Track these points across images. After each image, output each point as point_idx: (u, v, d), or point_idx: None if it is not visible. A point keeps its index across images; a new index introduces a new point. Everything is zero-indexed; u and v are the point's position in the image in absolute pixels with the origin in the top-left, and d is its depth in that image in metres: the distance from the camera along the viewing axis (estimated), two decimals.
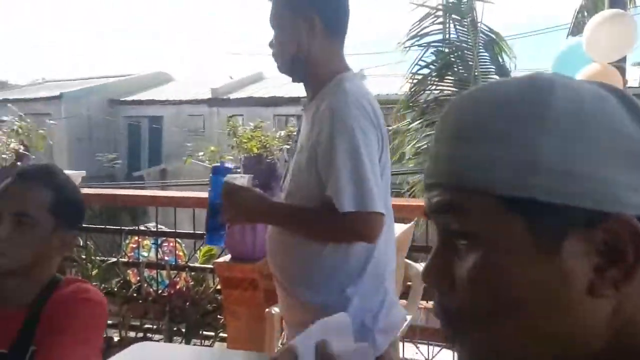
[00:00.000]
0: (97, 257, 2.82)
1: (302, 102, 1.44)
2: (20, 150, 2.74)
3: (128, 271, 3.06)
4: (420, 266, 2.31)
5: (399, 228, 2.11)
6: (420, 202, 3.41)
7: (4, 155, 2.71)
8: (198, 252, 3.08)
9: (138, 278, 3.02)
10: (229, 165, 1.46)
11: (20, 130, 2.77)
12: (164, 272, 2.96)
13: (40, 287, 1.09)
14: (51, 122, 5.42)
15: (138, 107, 15.51)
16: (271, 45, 1.31)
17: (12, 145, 2.72)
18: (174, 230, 2.91)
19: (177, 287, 2.80)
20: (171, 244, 3.06)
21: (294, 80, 1.35)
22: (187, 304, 2.64)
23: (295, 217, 1.27)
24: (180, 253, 3.13)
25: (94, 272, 2.78)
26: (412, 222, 2.22)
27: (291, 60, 1.27)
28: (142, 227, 3.08)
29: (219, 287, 2.62)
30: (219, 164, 1.42)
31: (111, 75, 17.42)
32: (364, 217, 1.13)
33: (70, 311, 1.05)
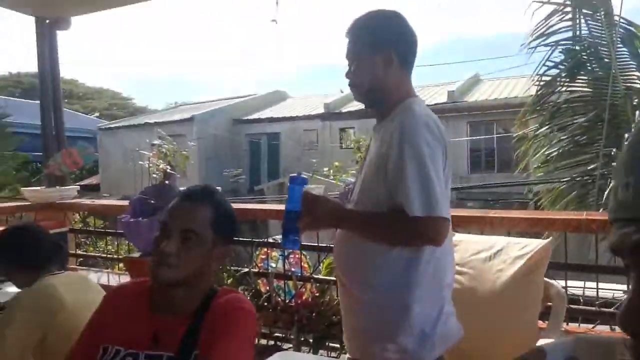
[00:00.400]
0: (232, 267, 3.03)
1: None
2: (168, 170, 3.07)
3: (258, 281, 3.25)
4: (558, 285, 2.13)
5: (536, 243, 1.97)
6: (555, 215, 3.15)
7: (154, 175, 3.07)
8: (321, 263, 3.17)
9: (267, 287, 3.18)
10: (304, 175, 1.52)
11: (167, 152, 3.11)
12: (290, 283, 3.09)
13: (202, 297, 1.21)
14: (192, 143, 5.99)
15: (258, 124, 16.54)
16: (348, 75, 1.46)
17: (161, 166, 3.05)
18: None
19: (304, 297, 2.90)
20: (297, 256, 3.19)
21: (367, 107, 1.50)
22: (313, 314, 2.72)
23: (368, 221, 1.37)
24: (306, 265, 3.25)
25: (228, 281, 2.99)
26: (550, 238, 2.06)
27: (368, 91, 1.43)
28: (270, 240, 3.26)
29: None
30: (296, 175, 1.52)
31: (235, 96, 18.79)
32: (432, 222, 1.24)
33: (230, 319, 1.15)
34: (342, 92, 14.85)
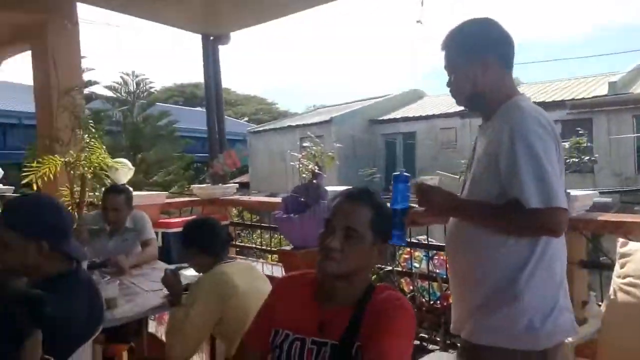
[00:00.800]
0: (376, 265, 3.11)
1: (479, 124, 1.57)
2: (316, 170, 3.26)
3: (401, 280, 3.28)
4: None
5: None
6: None
7: (304, 175, 3.29)
8: None
9: (410, 287, 3.20)
10: (406, 173, 1.56)
11: (315, 154, 3.31)
12: (435, 284, 3.07)
13: (362, 291, 1.29)
14: (337, 145, 6.23)
15: (394, 124, 16.51)
16: (449, 85, 1.50)
17: (310, 166, 3.26)
18: (444, 244, 2.99)
19: (449, 300, 2.86)
20: (442, 257, 3.15)
21: (471, 111, 1.57)
22: None
23: (485, 210, 1.38)
24: None
25: (372, 277, 3.08)
26: None
27: (469, 97, 1.47)
28: (414, 240, 3.26)
29: None
30: (398, 173, 1.54)
31: (371, 97, 19.01)
32: (550, 212, 1.25)
33: (391, 316, 1.20)
34: None
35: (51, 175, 4.06)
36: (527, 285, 1.32)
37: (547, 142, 1.30)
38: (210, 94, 5.08)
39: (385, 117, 16.74)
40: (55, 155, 4.07)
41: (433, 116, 15.48)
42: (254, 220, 6.05)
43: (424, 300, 2.98)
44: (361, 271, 1.30)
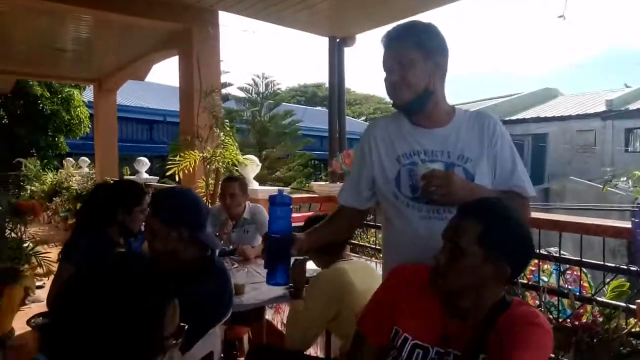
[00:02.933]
0: None
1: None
2: None
3: (526, 293, 3.06)
4: None
5: None
6: None
7: None
8: (607, 285, 2.78)
9: (537, 302, 2.97)
10: (286, 194, 1.47)
11: None
12: (565, 301, 2.81)
13: (488, 307, 1.20)
14: None
15: (523, 125, 15.41)
16: (394, 79, 1.47)
17: None
18: (579, 259, 2.73)
19: (582, 319, 2.60)
20: (575, 273, 2.87)
21: (409, 111, 1.52)
22: (594, 340, 2.42)
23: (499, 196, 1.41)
24: (586, 284, 2.90)
25: None
26: None
27: (420, 95, 1.46)
28: (543, 251, 3.03)
29: (635, 329, 2.28)
30: (275, 194, 1.45)
31: (501, 95, 17.97)
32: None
33: (526, 331, 1.13)
34: (627, 86, 12.53)
35: (190, 169, 4.52)
36: None
37: None
38: (334, 94, 5.22)
39: (514, 117, 15.70)
40: (195, 151, 4.52)
41: (569, 117, 14.15)
42: (368, 219, 6.08)
43: (551, 317, 2.75)
44: (480, 289, 1.20)
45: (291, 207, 1.49)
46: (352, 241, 5.74)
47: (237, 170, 4.70)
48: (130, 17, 4.66)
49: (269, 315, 3.75)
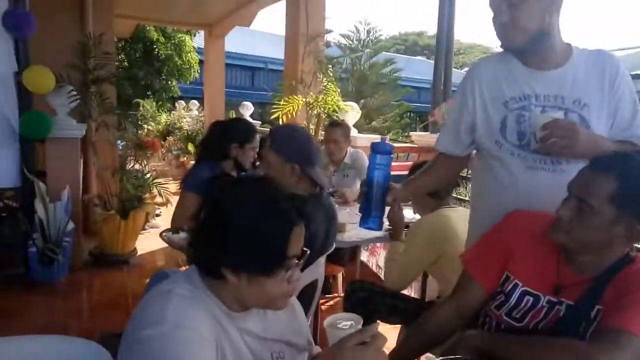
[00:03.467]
0: None
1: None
2: None
3: None
4: None
5: None
6: None
7: None
8: None
9: None
10: (389, 142, 1.42)
11: None
12: None
13: (609, 262, 1.14)
14: None
15: None
16: (504, 20, 1.33)
17: None
18: None
19: None
20: None
21: (522, 52, 1.38)
22: None
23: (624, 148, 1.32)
24: None
25: None
26: None
27: (535, 37, 1.33)
28: None
29: None
30: (379, 141, 1.40)
31: (623, 47, 15.96)
32: None
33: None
34: None
35: (293, 113, 4.67)
36: None
37: None
38: (441, 43, 4.99)
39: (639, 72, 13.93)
40: (298, 96, 4.64)
41: None
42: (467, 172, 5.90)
43: None
44: (606, 248, 1.14)
45: (392, 156, 1.45)
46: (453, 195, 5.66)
47: (337, 116, 4.76)
48: None
49: (364, 257, 3.89)
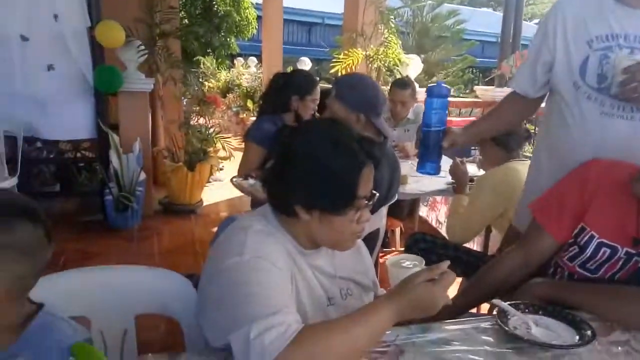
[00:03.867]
0: None
1: None
2: None
3: None
4: None
5: None
6: None
7: None
8: None
9: None
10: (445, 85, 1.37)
11: None
12: None
13: None
14: None
15: None
16: None
17: None
18: None
19: None
20: None
21: None
22: None
23: None
24: None
25: None
26: None
27: None
28: None
29: None
30: (434, 84, 1.35)
31: None
32: None
33: None
34: None
35: (353, 67, 4.59)
36: None
37: None
38: None
39: None
40: (358, 49, 4.55)
41: None
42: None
43: None
44: None
45: (448, 99, 1.41)
46: None
47: (398, 70, 4.64)
48: None
49: (423, 212, 3.87)
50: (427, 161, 1.45)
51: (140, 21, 3.74)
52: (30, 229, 0.75)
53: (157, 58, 3.92)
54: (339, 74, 4.70)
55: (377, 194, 1.01)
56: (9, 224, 0.73)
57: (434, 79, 9.93)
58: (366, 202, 0.98)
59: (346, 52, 4.60)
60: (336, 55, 4.71)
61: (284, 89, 2.44)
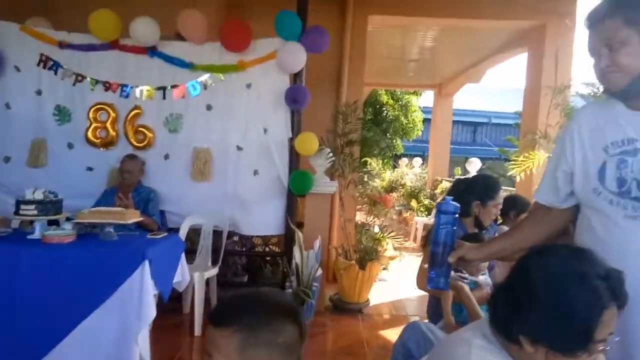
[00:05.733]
0: None
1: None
2: None
3: None
4: None
5: None
6: None
7: None
8: None
9: None
10: (454, 202, 1.41)
11: None
12: None
13: None
14: None
15: None
16: (607, 61, 1.30)
17: None
18: None
19: None
20: None
21: (627, 95, 1.32)
22: None
23: None
24: None
25: None
26: None
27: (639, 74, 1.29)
28: None
29: None
30: (443, 201, 1.37)
31: None
32: None
33: None
34: None
35: (534, 169, 4.37)
36: None
37: None
38: None
39: None
40: (540, 150, 4.33)
41: None
42: None
43: None
44: None
45: (456, 216, 1.44)
46: None
47: None
48: (477, 21, 4.83)
49: None
50: (435, 276, 1.46)
51: (331, 132, 4.16)
52: (295, 329, 0.84)
53: (342, 164, 4.26)
54: (517, 177, 4.50)
55: (617, 338, 0.92)
56: (283, 324, 0.83)
57: None
58: (602, 347, 0.89)
59: (526, 154, 4.42)
60: (515, 158, 4.55)
61: (465, 193, 2.41)
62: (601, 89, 1.40)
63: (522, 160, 4.43)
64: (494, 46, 5.88)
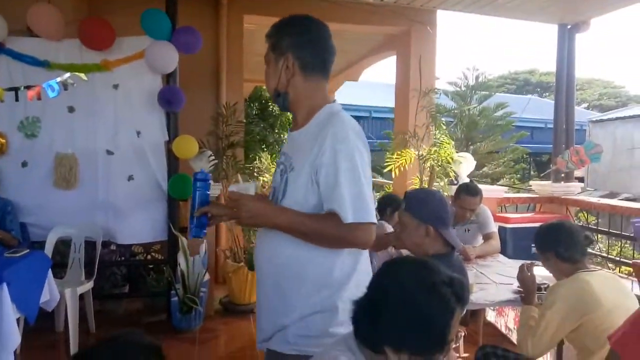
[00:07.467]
0: None
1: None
2: None
3: None
4: None
5: None
6: None
7: None
8: None
9: None
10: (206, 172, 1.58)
11: None
12: None
13: None
14: None
15: None
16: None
17: None
18: None
19: None
20: None
21: (281, 109, 1.55)
22: None
23: (299, 219, 1.32)
24: None
25: None
26: None
27: (273, 92, 1.45)
28: None
29: None
30: (198, 172, 1.53)
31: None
32: (363, 227, 1.29)
33: None
34: None
35: (406, 166, 4.73)
36: (341, 294, 1.34)
37: (364, 154, 1.34)
38: (561, 85, 4.79)
39: None
40: (411, 149, 4.70)
41: None
42: (591, 222, 5.49)
43: None
44: None
45: (209, 182, 1.54)
46: None
47: (450, 168, 4.72)
48: (349, 25, 5.05)
49: (491, 316, 3.72)
50: (192, 228, 1.53)
51: (212, 134, 4.08)
52: None
53: (225, 166, 4.22)
54: (392, 173, 4.84)
55: (464, 334, 1.05)
56: None
57: (485, 169, 9.92)
58: (452, 345, 1.01)
59: (399, 152, 4.77)
60: (390, 156, 4.88)
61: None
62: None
63: (395, 158, 4.76)
64: (367, 49, 6.21)
